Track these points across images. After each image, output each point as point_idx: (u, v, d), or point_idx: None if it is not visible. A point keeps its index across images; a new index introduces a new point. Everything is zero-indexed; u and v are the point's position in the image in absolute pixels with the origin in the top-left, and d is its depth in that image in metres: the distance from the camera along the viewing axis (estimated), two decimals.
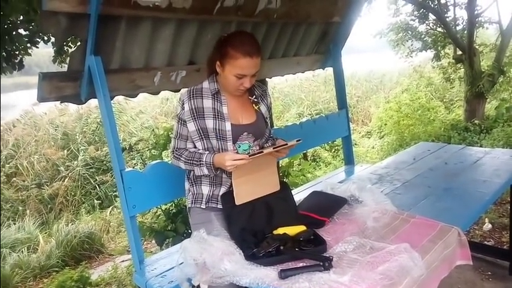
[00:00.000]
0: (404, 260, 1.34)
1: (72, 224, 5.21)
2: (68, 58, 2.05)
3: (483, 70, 7.42)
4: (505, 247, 3.05)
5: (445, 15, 7.83)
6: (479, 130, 6.96)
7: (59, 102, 2.15)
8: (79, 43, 2.02)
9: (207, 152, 1.70)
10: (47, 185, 6.61)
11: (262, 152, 1.59)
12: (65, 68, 2.07)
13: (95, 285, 3.57)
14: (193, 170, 1.74)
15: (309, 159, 7.40)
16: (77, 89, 2.05)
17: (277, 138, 1.89)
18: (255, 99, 1.81)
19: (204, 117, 1.69)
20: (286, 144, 1.65)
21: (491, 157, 2.62)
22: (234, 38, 1.65)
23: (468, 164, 2.56)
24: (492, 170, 2.38)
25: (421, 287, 1.36)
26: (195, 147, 1.77)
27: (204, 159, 1.67)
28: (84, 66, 1.97)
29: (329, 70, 3.61)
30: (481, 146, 5.74)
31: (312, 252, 1.50)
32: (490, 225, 3.43)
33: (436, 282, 1.47)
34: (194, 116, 1.70)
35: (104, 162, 7.05)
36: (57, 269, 4.23)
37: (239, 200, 1.67)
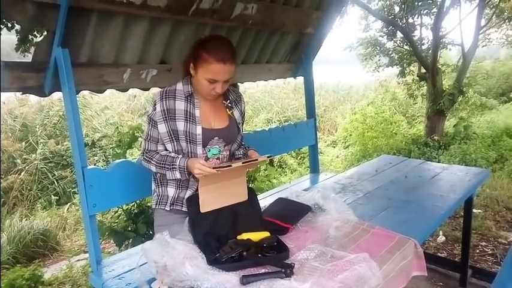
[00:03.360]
0: (363, 270, 1.37)
1: (26, 220, 4.97)
2: (33, 48, 1.97)
3: (444, 89, 7.78)
4: (456, 259, 3.19)
5: (412, 34, 8.17)
6: (437, 146, 7.28)
7: (21, 93, 2.07)
8: (45, 33, 1.95)
9: (180, 156, 1.68)
10: (1, 178, 6.29)
11: (230, 165, 1.57)
12: (28, 57, 1.99)
13: (47, 284, 3.42)
14: (165, 174, 1.71)
15: (275, 165, 7.46)
16: (41, 81, 1.98)
17: (249, 147, 1.89)
18: (229, 104, 1.81)
19: (175, 119, 1.67)
20: (257, 159, 1.65)
21: (449, 173, 2.74)
22: (209, 42, 1.63)
23: (427, 178, 2.66)
24: (449, 185, 2.49)
25: None
26: (165, 149, 1.74)
27: (177, 164, 1.65)
28: (50, 58, 1.91)
29: (299, 78, 3.67)
30: (438, 161, 6.00)
31: (274, 258, 1.50)
32: (443, 238, 3.59)
33: None
34: (165, 117, 1.67)
35: (64, 157, 6.80)
36: (7, 266, 4.02)
37: (204, 208, 1.65)
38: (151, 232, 2.84)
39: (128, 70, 2.29)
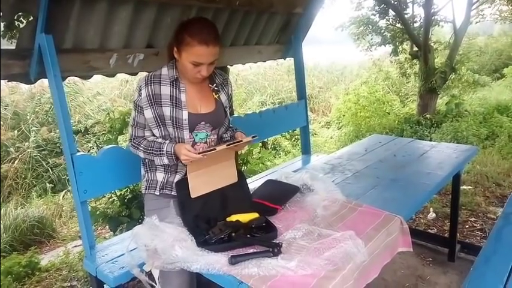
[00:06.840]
0: (349, 247, 1.41)
1: (21, 208, 4.99)
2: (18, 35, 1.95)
3: (436, 67, 7.77)
4: (446, 235, 3.26)
5: (404, 12, 8.10)
6: (430, 124, 7.31)
7: (7, 80, 2.05)
8: (31, 19, 1.93)
9: (167, 141, 1.68)
10: None
11: (215, 149, 1.58)
12: (15, 44, 1.98)
13: (44, 271, 3.45)
14: (153, 160, 1.72)
15: (269, 147, 7.48)
16: (26, 68, 1.97)
17: (236, 129, 1.90)
18: (216, 88, 1.81)
19: (161, 104, 1.67)
20: (241, 141, 1.66)
21: (437, 151, 2.77)
22: (192, 24, 1.62)
23: (415, 156, 2.69)
24: (436, 163, 2.52)
25: (364, 272, 1.44)
26: (153, 135, 1.74)
27: (164, 149, 1.66)
28: (34, 45, 1.89)
29: (292, 60, 3.65)
30: (430, 140, 6.05)
31: (263, 238, 1.54)
32: (434, 215, 3.65)
33: (378, 267, 1.56)
34: (151, 102, 1.67)
35: (58, 145, 6.76)
36: (4, 254, 4.06)
37: (194, 193, 1.68)
38: (144, 217, 2.87)
39: (114, 55, 2.27)
